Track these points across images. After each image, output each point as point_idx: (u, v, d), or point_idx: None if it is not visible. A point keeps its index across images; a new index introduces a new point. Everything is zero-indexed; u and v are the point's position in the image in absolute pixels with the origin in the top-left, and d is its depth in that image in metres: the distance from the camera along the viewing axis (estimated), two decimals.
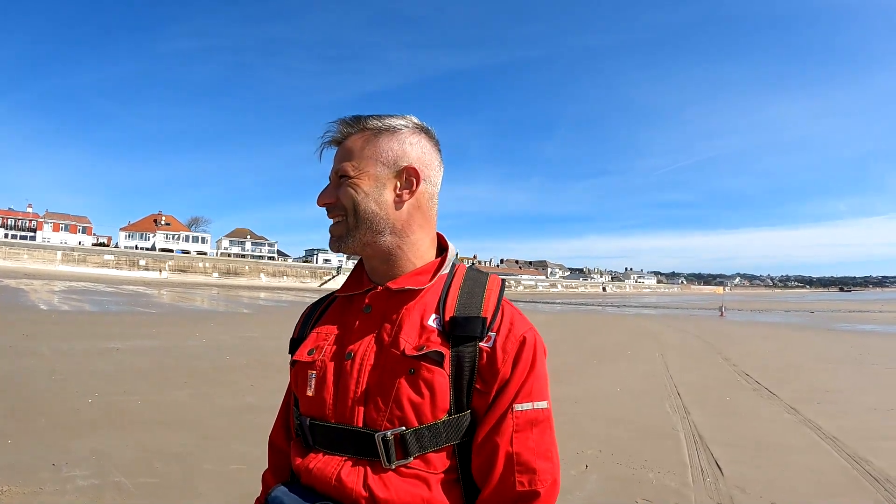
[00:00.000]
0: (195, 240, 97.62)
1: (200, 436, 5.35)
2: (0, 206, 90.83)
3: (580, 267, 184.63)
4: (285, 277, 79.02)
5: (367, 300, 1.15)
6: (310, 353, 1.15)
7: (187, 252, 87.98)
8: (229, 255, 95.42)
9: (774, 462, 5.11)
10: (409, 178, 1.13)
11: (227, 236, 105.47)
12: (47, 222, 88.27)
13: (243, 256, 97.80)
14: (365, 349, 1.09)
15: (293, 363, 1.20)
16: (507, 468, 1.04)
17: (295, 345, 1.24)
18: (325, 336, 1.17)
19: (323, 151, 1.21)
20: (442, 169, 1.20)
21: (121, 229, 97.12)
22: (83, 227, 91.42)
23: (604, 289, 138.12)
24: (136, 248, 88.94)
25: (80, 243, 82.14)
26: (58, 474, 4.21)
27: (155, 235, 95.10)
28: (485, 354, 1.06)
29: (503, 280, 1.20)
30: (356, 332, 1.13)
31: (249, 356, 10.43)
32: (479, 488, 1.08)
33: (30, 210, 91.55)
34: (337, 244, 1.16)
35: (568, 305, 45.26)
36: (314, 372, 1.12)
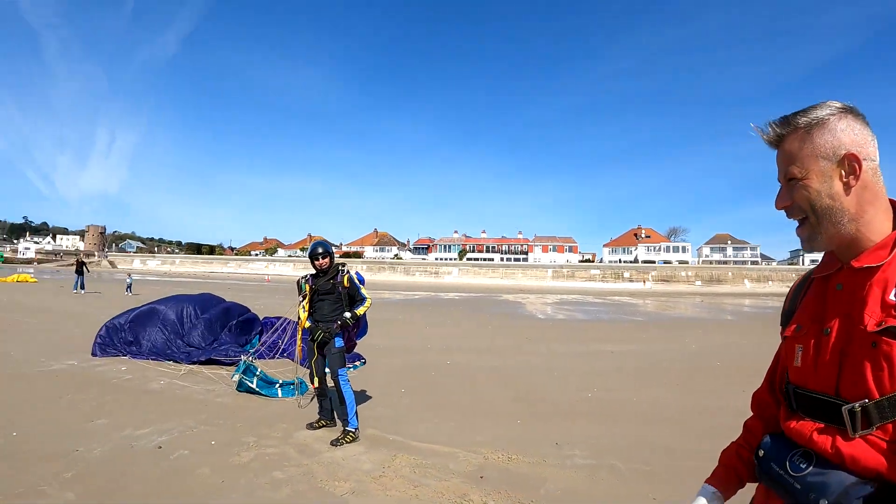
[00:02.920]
0: (675, 249, 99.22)
1: (684, 432, 5.44)
2: (495, 235, 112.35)
3: None
4: (770, 283, 69.85)
5: (838, 279, 1.25)
6: (797, 329, 1.31)
7: (668, 262, 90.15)
8: (710, 263, 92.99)
9: None
10: (850, 164, 1.18)
11: (707, 243, 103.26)
12: (536, 245, 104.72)
13: (725, 263, 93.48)
14: (836, 324, 1.20)
15: (784, 338, 1.37)
16: None
17: (786, 318, 1.40)
18: (805, 312, 1.31)
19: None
20: (874, 140, 1.21)
21: (604, 245, 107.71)
22: (569, 246, 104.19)
23: None
24: (619, 261, 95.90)
25: (567, 261, 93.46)
26: (560, 451, 4.85)
27: (636, 248, 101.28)
28: None
29: None
30: (829, 308, 1.24)
31: (725, 359, 10.22)
32: None
33: (520, 236, 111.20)
34: (808, 245, 1.26)
35: None
36: (800, 345, 1.28)
